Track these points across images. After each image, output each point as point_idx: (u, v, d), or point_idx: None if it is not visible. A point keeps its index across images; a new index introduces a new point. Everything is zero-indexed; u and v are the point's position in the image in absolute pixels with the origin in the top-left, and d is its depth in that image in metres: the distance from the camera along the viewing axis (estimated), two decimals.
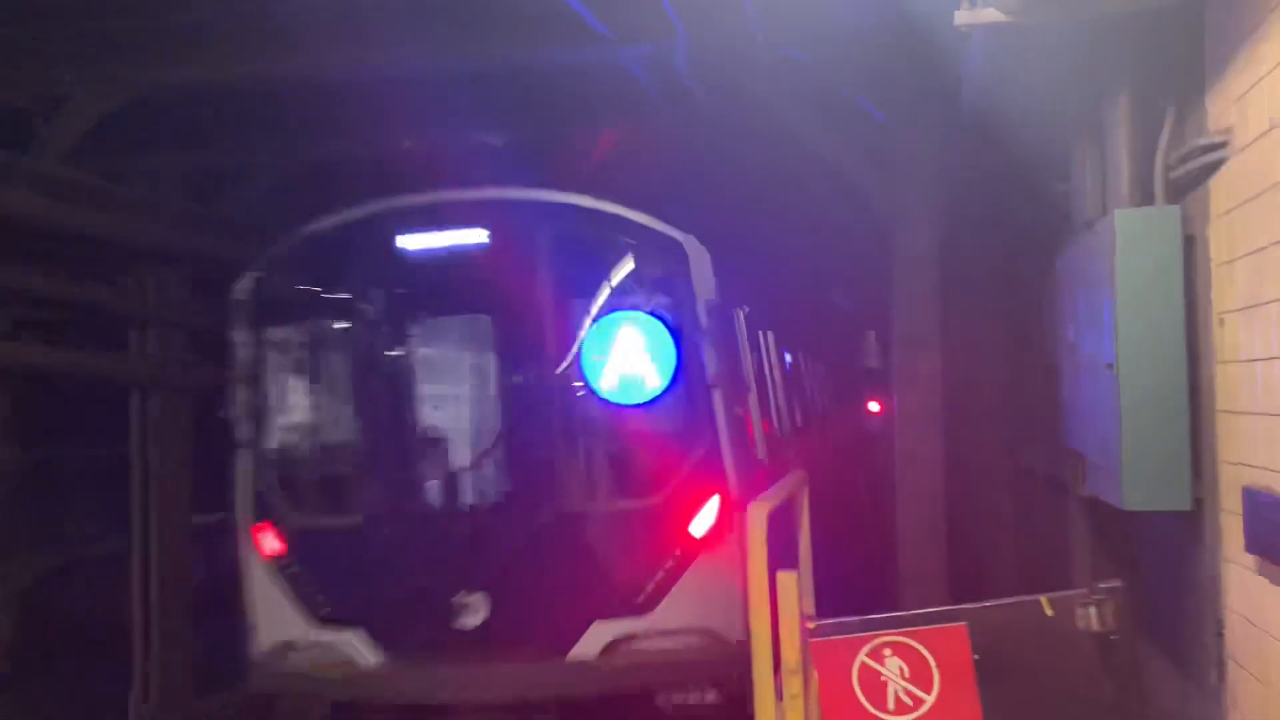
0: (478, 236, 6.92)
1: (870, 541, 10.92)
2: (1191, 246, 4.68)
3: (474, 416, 7.13)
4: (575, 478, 6.97)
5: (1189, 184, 4.70)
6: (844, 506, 10.98)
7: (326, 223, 7.23)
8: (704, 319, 6.71)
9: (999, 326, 8.94)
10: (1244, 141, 4.09)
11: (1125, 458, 4.67)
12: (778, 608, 4.50)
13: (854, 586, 7.85)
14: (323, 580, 6.88)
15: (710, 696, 6.49)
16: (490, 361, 7.08)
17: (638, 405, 6.78)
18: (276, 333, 7.23)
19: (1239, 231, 4.18)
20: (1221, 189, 4.37)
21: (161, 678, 8.73)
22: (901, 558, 7.91)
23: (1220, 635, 4.47)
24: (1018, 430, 8.92)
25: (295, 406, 7.31)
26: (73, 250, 7.99)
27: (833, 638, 4.63)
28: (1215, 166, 4.38)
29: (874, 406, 15.22)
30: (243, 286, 7.23)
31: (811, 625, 4.70)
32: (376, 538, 6.87)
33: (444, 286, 7.04)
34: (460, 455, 7.04)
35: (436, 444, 7.09)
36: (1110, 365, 4.81)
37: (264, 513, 7.07)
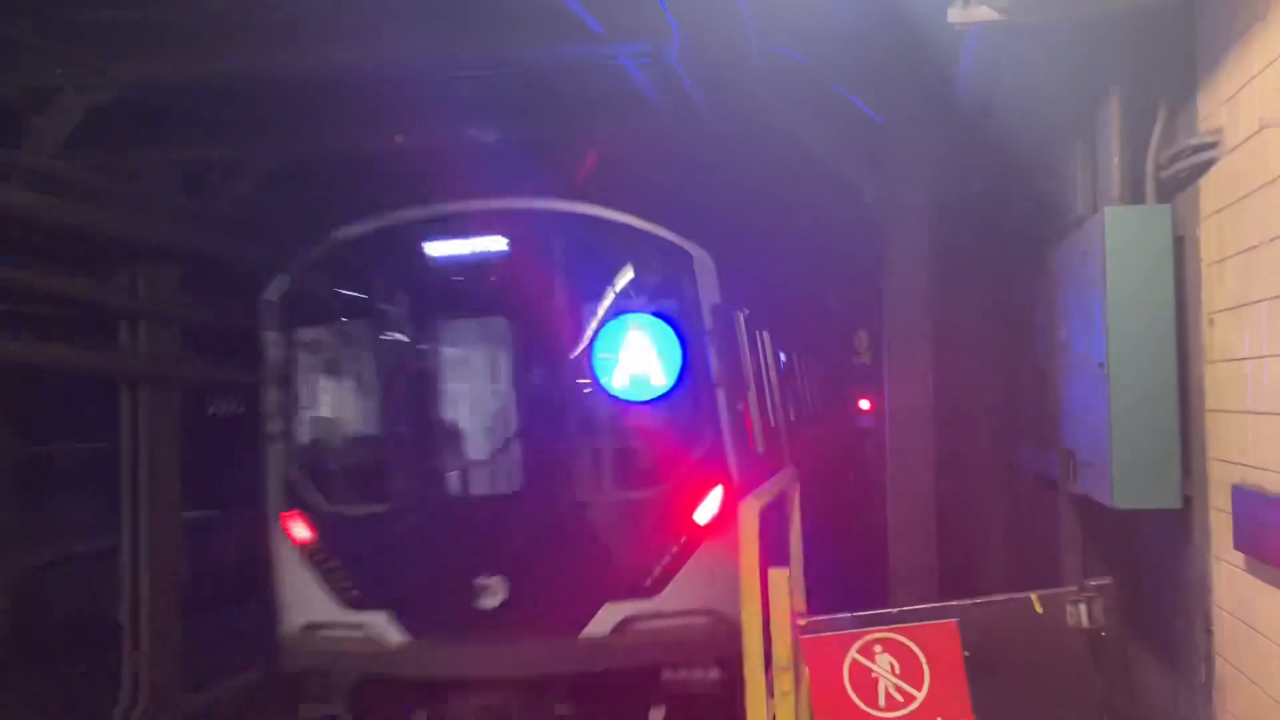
0: (499, 243, 7.36)
1: (862, 537, 11.09)
2: (1182, 246, 4.71)
3: (493, 412, 7.54)
4: (587, 469, 7.48)
5: (1180, 183, 4.72)
6: (836, 501, 11.34)
7: (355, 229, 7.61)
8: (708, 322, 7.18)
9: (991, 325, 8.97)
10: (1234, 142, 4.11)
11: (1115, 456, 4.70)
12: (769, 604, 4.51)
13: (845, 582, 8.11)
14: (350, 566, 7.25)
15: (713, 674, 6.78)
16: (509, 360, 7.51)
17: (646, 402, 7.21)
18: (306, 333, 7.63)
19: (1229, 231, 4.20)
20: (1212, 189, 4.39)
21: (151, 673, 8.71)
22: (892, 555, 7.93)
23: (1209, 632, 4.50)
24: (1009, 428, 8.96)
25: (324, 402, 7.75)
26: (63, 244, 7.96)
27: (824, 634, 4.64)
28: (1206, 166, 4.40)
29: (865, 404, 15.26)
30: (275, 288, 7.63)
31: (802, 622, 4.72)
32: (401, 525, 7.28)
33: (466, 290, 7.45)
34: (480, 448, 7.53)
35: (458, 438, 7.53)
36: (1101, 364, 4.83)
37: (294, 503, 7.43)
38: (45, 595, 12.97)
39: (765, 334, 9.03)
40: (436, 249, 7.46)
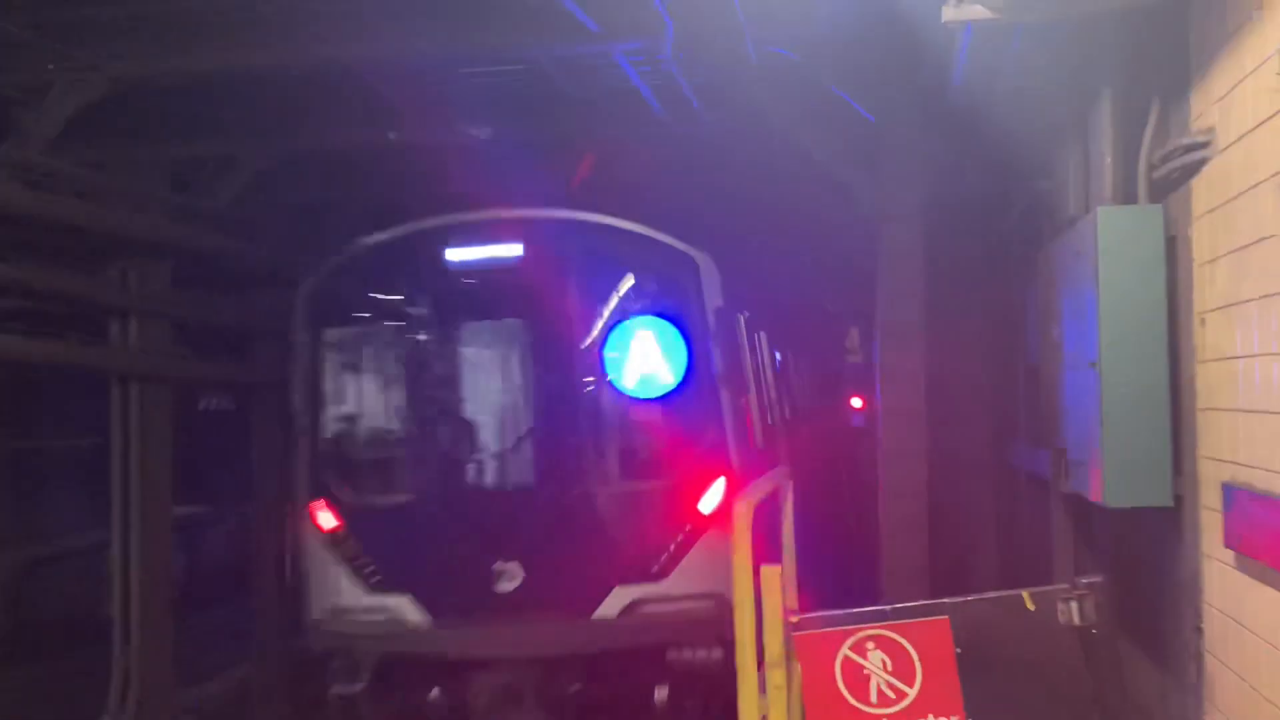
0: (516, 250, 7.80)
1: (853, 533, 11.32)
2: (1173, 245, 4.72)
3: (510, 408, 7.96)
4: (598, 462, 7.98)
5: (1172, 183, 4.73)
6: (828, 496, 11.75)
7: (380, 236, 8.11)
8: (712, 324, 7.67)
9: (983, 323, 8.99)
10: (1226, 142, 4.13)
11: (1107, 454, 4.72)
12: (761, 601, 4.52)
13: (838, 578, 8.68)
14: (374, 552, 7.67)
15: (716, 653, 7.04)
16: (525, 360, 7.96)
17: (654, 399, 7.70)
18: (333, 332, 8.10)
19: (1220, 231, 4.22)
20: (1203, 189, 4.41)
21: (142, 669, 8.68)
22: (884, 552, 7.95)
23: (1199, 630, 4.52)
24: (1001, 426, 8.98)
25: (349, 398, 8.15)
26: (54, 240, 7.93)
27: (816, 631, 4.65)
28: (1198, 166, 4.41)
29: (857, 403, 15.29)
30: (304, 290, 8.12)
31: (795, 619, 4.73)
32: (422, 514, 7.77)
33: (485, 294, 7.91)
34: (497, 442, 7.98)
35: (476, 432, 7.96)
36: (1093, 363, 4.85)
37: (321, 493, 7.87)
38: (36, 592, 12.93)
39: (763, 335, 9.50)
40: (457, 255, 7.87)
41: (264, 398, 10.71)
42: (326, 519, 7.79)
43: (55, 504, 14.35)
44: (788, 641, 4.61)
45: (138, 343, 8.80)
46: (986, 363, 9.09)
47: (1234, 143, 4.04)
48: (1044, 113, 6.17)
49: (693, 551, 7.36)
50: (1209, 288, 4.36)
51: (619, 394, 7.73)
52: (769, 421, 9.00)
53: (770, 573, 4.59)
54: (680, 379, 7.62)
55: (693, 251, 7.85)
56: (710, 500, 7.40)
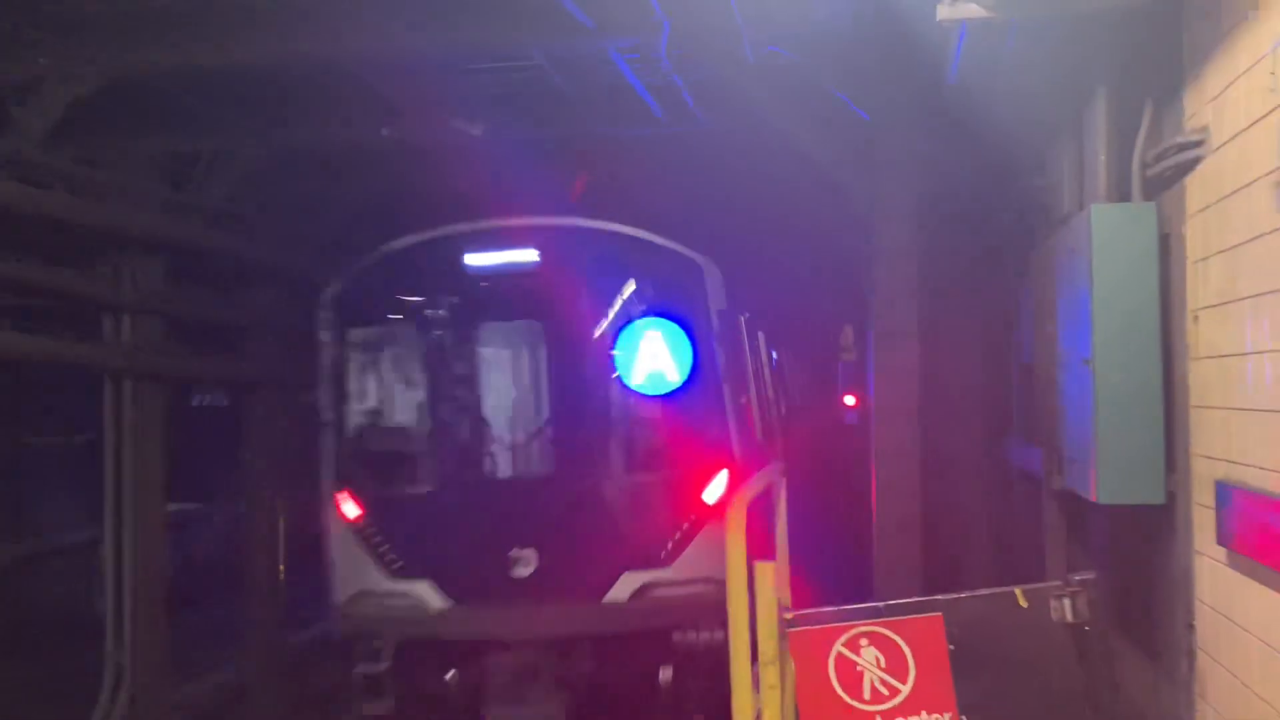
0: (531, 255, 8.26)
1: (846, 528, 11.59)
2: (1167, 243, 4.74)
3: (524, 404, 8.43)
4: (609, 455, 8.39)
5: (1165, 181, 4.75)
6: (821, 491, 12.20)
7: (402, 242, 8.53)
8: (715, 325, 8.13)
9: (977, 321, 9.00)
10: (1220, 141, 4.14)
11: (1100, 451, 4.73)
12: (755, 598, 4.53)
13: (831, 572, 8.90)
14: (396, 539, 8.10)
15: (719, 635, 7.18)
16: (539, 358, 8.42)
17: (661, 396, 8.13)
18: (357, 332, 8.53)
19: (1214, 229, 4.23)
20: (1197, 187, 4.42)
21: (134, 666, 8.66)
22: (877, 549, 7.97)
23: (1191, 627, 4.53)
24: (994, 423, 9.00)
25: (372, 394, 8.57)
26: (46, 236, 7.91)
27: (809, 628, 4.66)
28: (1191, 165, 4.43)
29: (850, 400, 15.31)
30: (330, 293, 8.51)
31: (789, 615, 4.73)
32: (442, 504, 8.19)
33: (502, 296, 8.34)
34: (513, 436, 8.43)
35: (493, 426, 8.40)
36: (1086, 360, 4.86)
37: (346, 483, 8.29)
38: (29, 588, 12.90)
39: (761, 335, 9.95)
40: (476, 260, 8.33)
41: (258, 394, 10.69)
42: (350, 508, 8.21)
43: (47, 501, 14.30)
44: (781, 638, 4.62)
45: (131, 339, 8.77)
46: (980, 360, 9.10)
47: (1227, 141, 4.05)
48: (1039, 111, 6.18)
49: (697, 539, 7.75)
50: (1202, 285, 4.38)
51: (628, 391, 8.17)
52: (768, 417, 9.48)
53: (764, 569, 4.60)
54: (686, 377, 8.05)
55: (697, 257, 8.33)
56: (714, 491, 7.82)
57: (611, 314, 8.21)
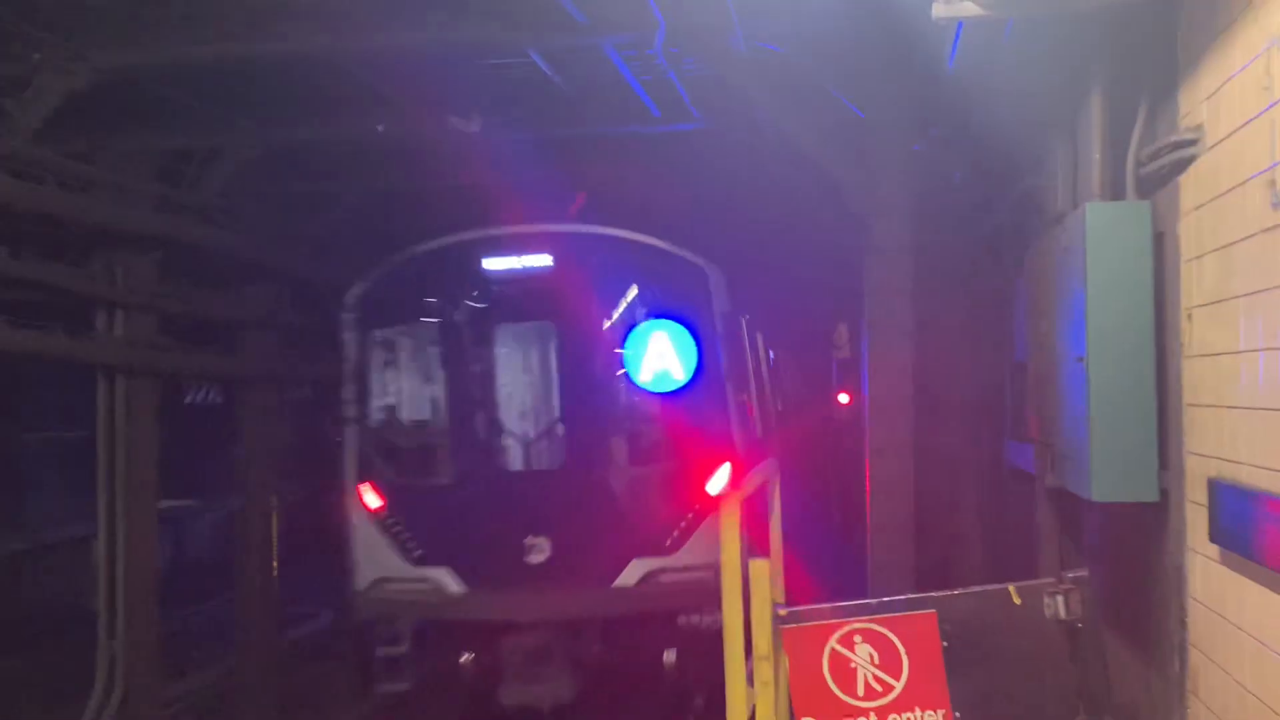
0: (545, 260, 8.75)
1: (839, 523, 11.90)
2: (1161, 242, 4.74)
3: (538, 400, 8.90)
4: (618, 448, 8.83)
5: (1160, 180, 4.75)
6: (815, 486, 12.86)
7: (421, 247, 8.97)
8: (719, 327, 8.60)
9: (971, 319, 9.02)
10: (1214, 139, 4.15)
11: (1094, 449, 4.73)
12: (749, 595, 4.53)
13: (824, 564, 9.51)
14: (416, 528, 8.54)
15: (721, 619, 7.72)
16: (552, 357, 8.87)
17: (667, 393, 8.59)
18: (379, 332, 8.98)
19: (1207, 228, 4.24)
20: (1191, 186, 4.43)
21: (126, 661, 8.65)
22: (871, 546, 7.98)
23: (1183, 624, 4.55)
24: (988, 421, 9.02)
25: (393, 390, 9.05)
26: (39, 231, 7.88)
27: (804, 624, 4.67)
28: (1186, 163, 4.43)
29: (844, 398, 15.34)
30: (353, 295, 8.99)
31: (783, 612, 4.74)
32: (460, 494, 8.66)
33: (516, 298, 8.80)
34: (527, 430, 8.90)
35: (509, 421, 8.89)
36: (1080, 358, 4.86)
37: (367, 475, 8.76)
38: (21, 583, 12.86)
39: (760, 336, 10.43)
40: (492, 264, 8.81)
41: (252, 390, 10.67)
42: (372, 499, 8.67)
43: (40, 496, 14.25)
44: (776, 634, 4.62)
45: (124, 335, 8.75)
46: (974, 358, 9.12)
47: (1222, 140, 4.06)
48: (1034, 109, 6.19)
49: (701, 528, 8.09)
50: (1196, 283, 4.39)
51: (636, 388, 8.65)
52: (766, 414, 9.95)
53: (759, 566, 4.60)
54: (690, 375, 8.52)
55: (703, 262, 8.82)
56: (717, 483, 8.20)
57: (621, 315, 8.73)
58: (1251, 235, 3.76)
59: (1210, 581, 4.26)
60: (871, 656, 4.59)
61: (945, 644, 4.55)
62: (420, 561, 8.45)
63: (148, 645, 8.90)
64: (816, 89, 7.71)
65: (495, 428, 8.81)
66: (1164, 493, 4.72)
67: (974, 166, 7.89)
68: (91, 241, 8.41)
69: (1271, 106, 3.56)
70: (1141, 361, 4.70)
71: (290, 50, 6.86)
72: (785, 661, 4.67)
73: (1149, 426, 4.69)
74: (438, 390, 8.96)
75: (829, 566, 10.16)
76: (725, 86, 7.68)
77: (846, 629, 4.61)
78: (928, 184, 8.05)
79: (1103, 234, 4.77)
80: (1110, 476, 4.72)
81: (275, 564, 10.80)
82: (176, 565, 13.29)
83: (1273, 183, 3.55)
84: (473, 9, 6.43)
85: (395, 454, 8.93)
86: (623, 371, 8.64)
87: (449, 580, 8.35)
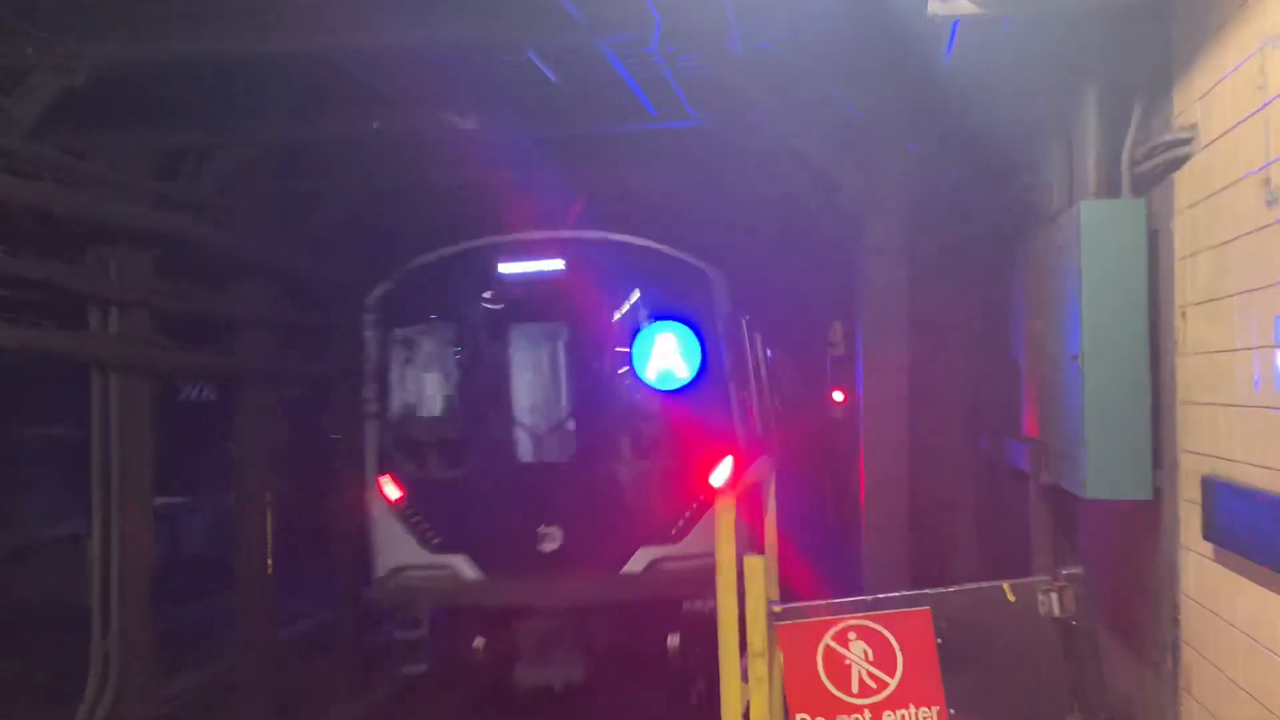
0: (555, 265, 9.26)
1: (835, 520, 12.22)
2: (1156, 240, 4.76)
3: (550, 397, 9.37)
4: (625, 443, 9.31)
5: (1154, 178, 4.77)
6: (812, 480, 13.34)
7: (439, 253, 9.49)
8: (721, 328, 9.11)
9: (966, 317, 9.04)
10: (1208, 138, 4.16)
11: (1088, 447, 4.74)
12: (744, 591, 4.54)
13: (819, 557, 9.67)
14: (433, 518, 9.05)
15: None
16: (562, 357, 9.36)
17: (672, 391, 9.07)
18: (399, 331, 9.45)
19: (1202, 226, 4.25)
20: (1185, 184, 4.44)
21: (120, 659, 8.63)
22: (866, 543, 8.00)
23: (1176, 621, 4.56)
24: (982, 419, 9.04)
25: (412, 387, 9.50)
26: (33, 227, 7.85)
27: (798, 621, 4.68)
28: (1180, 162, 4.45)
29: (839, 396, 15.38)
30: (375, 296, 9.46)
31: (778, 609, 4.75)
32: (476, 485, 9.12)
33: (529, 300, 9.29)
34: (540, 426, 9.33)
35: (523, 418, 9.32)
36: (1075, 356, 4.88)
37: (387, 468, 9.26)
38: (15, 580, 12.84)
39: (758, 336, 10.86)
40: (507, 268, 9.31)
41: (248, 388, 10.66)
42: (392, 490, 9.18)
43: (35, 493, 14.23)
44: (770, 631, 4.64)
45: (119, 332, 8.73)
46: (969, 356, 9.14)
47: (1216, 139, 4.07)
48: (1029, 108, 6.20)
49: (705, 518, 8.41)
50: (1190, 282, 4.40)
51: (643, 386, 9.12)
52: (765, 410, 10.42)
53: (753, 563, 4.62)
54: (694, 374, 9.00)
55: (706, 266, 9.35)
56: (720, 475, 8.63)
57: (628, 317, 9.22)
58: (1245, 233, 3.77)
59: (1204, 579, 4.28)
60: (866, 653, 4.61)
61: (940, 641, 4.57)
62: (438, 549, 8.94)
63: (142, 643, 8.88)
64: (813, 88, 7.72)
65: (509, 423, 9.24)
66: (1158, 490, 4.73)
67: (970, 165, 7.90)
68: (87, 239, 8.39)
69: (1265, 105, 3.57)
70: (1136, 360, 4.71)
71: (288, 48, 6.85)
72: (780, 658, 4.68)
73: (1143, 424, 4.70)
74: (454, 387, 9.43)
75: (825, 563, 10.26)
76: (722, 85, 7.69)
77: (841, 626, 4.63)
78: (923, 183, 8.06)
79: (1097, 232, 4.78)
80: (1104, 474, 4.73)
81: (271, 562, 10.79)
82: (171, 562, 13.27)
83: (1267, 181, 3.57)
84: (470, 7, 6.43)
85: (414, 448, 9.35)
86: (629, 370, 9.12)
87: (466, 567, 8.86)
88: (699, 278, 9.26)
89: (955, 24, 5.19)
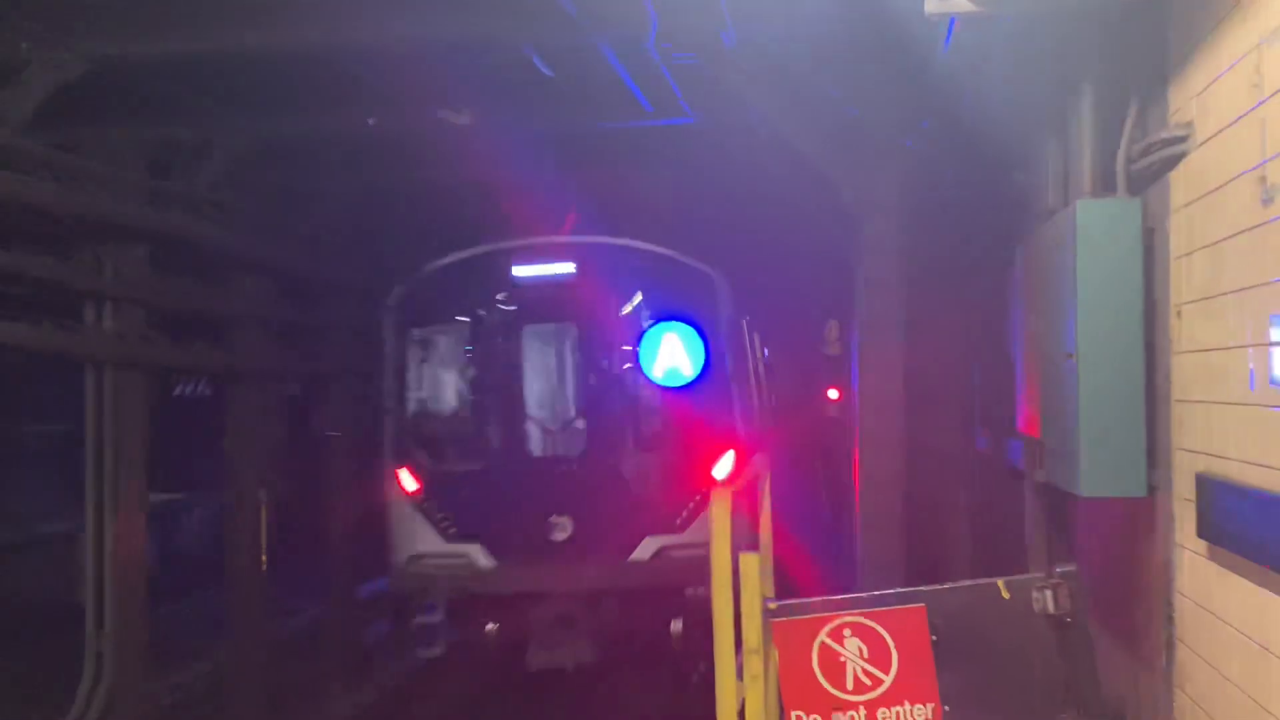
0: (567, 268, 9.73)
1: (831, 515, 12.61)
2: (1151, 238, 4.76)
3: (561, 394, 9.87)
4: (633, 437, 9.82)
5: (1150, 177, 4.77)
6: (807, 477, 13.91)
7: (454, 256, 9.99)
8: (724, 328, 9.66)
9: (961, 315, 9.04)
10: (1204, 136, 4.16)
11: (1083, 445, 4.75)
12: (739, 588, 4.55)
13: (815, 557, 10.36)
14: (450, 508, 9.51)
15: None
16: (573, 355, 9.87)
17: (677, 387, 9.55)
18: (416, 331, 9.93)
19: (1197, 225, 4.26)
20: (1181, 182, 4.45)
21: (114, 656, 8.62)
22: (861, 540, 8.01)
23: (1171, 619, 4.57)
24: (978, 417, 9.05)
25: (429, 383, 9.98)
26: (27, 222, 7.83)
27: (793, 618, 4.69)
28: (1176, 160, 4.45)
29: (834, 394, 15.40)
30: (393, 297, 9.98)
31: (773, 605, 4.75)
32: (491, 478, 9.63)
33: (541, 302, 9.78)
34: (551, 420, 9.88)
35: (535, 413, 9.82)
36: (1070, 354, 4.88)
37: (405, 460, 9.73)
38: (8, 577, 12.80)
39: (757, 335, 11.30)
40: (520, 271, 9.78)
41: (242, 385, 10.64)
42: (409, 482, 9.61)
43: (29, 490, 14.19)
44: (765, 628, 4.64)
45: (113, 328, 8.71)
46: (964, 354, 9.15)
47: (1211, 137, 4.08)
48: (1025, 106, 6.21)
49: (707, 508, 8.63)
50: (1185, 280, 4.41)
51: (649, 383, 9.62)
52: (764, 407, 10.86)
53: (749, 560, 4.62)
54: (698, 372, 9.47)
55: (710, 270, 9.84)
56: (722, 468, 9.16)
57: (636, 317, 9.71)
58: (1241, 232, 3.78)
59: (1197, 576, 4.29)
60: (861, 650, 4.61)
61: (934, 638, 4.57)
62: (454, 539, 9.42)
63: (136, 639, 8.86)
64: (808, 86, 7.72)
65: (522, 418, 9.74)
66: (1152, 488, 4.74)
67: (966, 163, 7.90)
68: (82, 234, 8.36)
69: (1261, 104, 3.58)
70: (1131, 358, 4.72)
71: (284, 44, 6.84)
72: (775, 655, 4.68)
73: (1138, 422, 4.71)
74: (470, 384, 9.89)
75: (819, 558, 10.54)
76: (717, 82, 7.68)
77: (836, 623, 4.63)
78: (919, 181, 8.06)
79: (1093, 231, 4.78)
80: (1099, 472, 4.74)
81: (264, 558, 10.78)
82: (165, 559, 13.25)
83: (1262, 179, 3.57)
84: (467, 4, 6.42)
85: (431, 442, 9.84)
86: (637, 368, 9.59)
87: (481, 555, 9.34)
88: (704, 281, 9.76)
89: (952, 22, 5.20)
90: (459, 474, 9.77)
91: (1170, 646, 4.60)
